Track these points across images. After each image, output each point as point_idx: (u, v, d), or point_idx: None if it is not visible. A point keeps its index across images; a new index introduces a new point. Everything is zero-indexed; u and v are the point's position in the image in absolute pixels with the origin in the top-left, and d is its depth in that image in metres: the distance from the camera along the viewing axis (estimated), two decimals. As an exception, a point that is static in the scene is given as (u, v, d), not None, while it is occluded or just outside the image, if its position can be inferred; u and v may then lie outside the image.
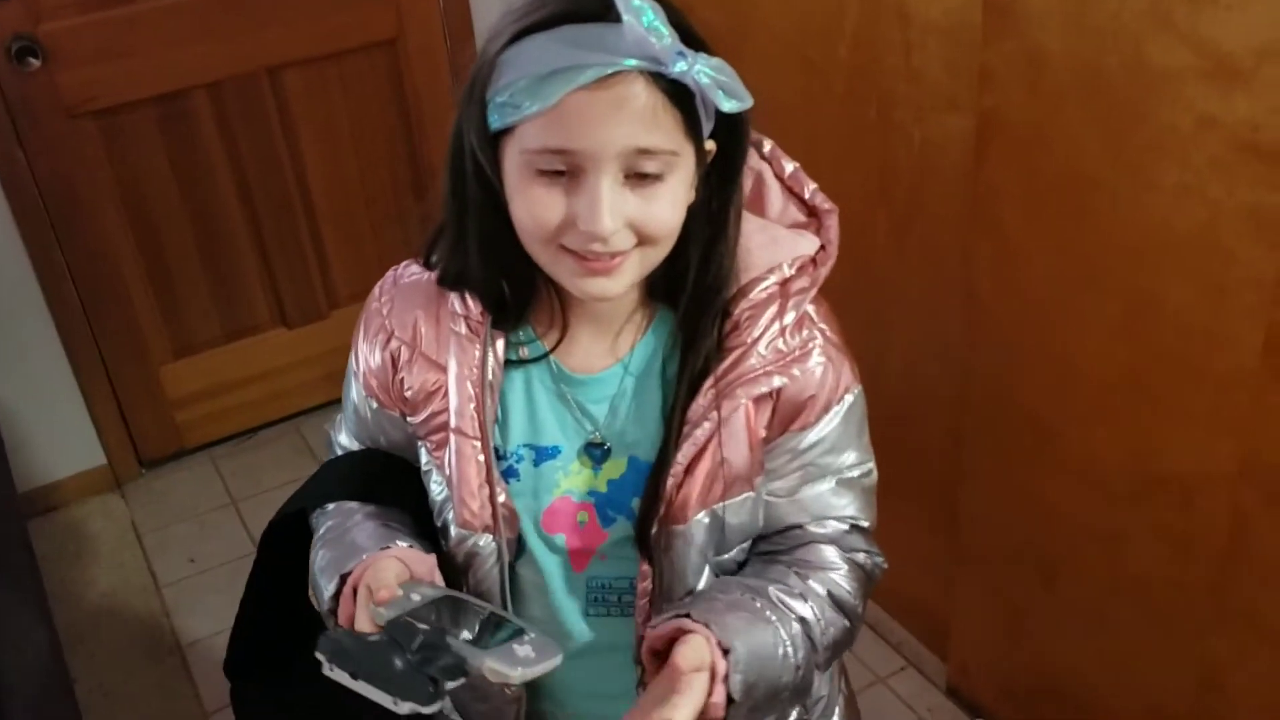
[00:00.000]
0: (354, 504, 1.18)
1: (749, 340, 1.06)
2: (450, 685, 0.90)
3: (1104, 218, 1.60)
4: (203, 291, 3.15)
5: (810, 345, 1.08)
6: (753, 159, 1.13)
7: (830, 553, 1.12)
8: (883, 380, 2.22)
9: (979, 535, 2.09)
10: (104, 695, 2.51)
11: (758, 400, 1.07)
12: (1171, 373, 1.58)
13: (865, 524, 1.16)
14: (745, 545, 1.15)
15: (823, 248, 1.10)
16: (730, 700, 0.97)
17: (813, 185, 1.13)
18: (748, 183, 1.13)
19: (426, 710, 0.88)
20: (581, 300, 1.07)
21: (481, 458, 1.09)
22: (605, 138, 0.92)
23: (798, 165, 1.14)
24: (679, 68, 0.91)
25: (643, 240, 0.98)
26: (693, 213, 1.03)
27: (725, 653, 0.97)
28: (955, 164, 1.86)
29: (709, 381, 1.05)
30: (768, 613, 1.04)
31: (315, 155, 3.12)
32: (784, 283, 1.07)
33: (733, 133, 1.02)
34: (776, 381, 1.06)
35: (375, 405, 1.18)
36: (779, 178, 1.14)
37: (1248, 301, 1.43)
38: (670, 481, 1.06)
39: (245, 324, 3.24)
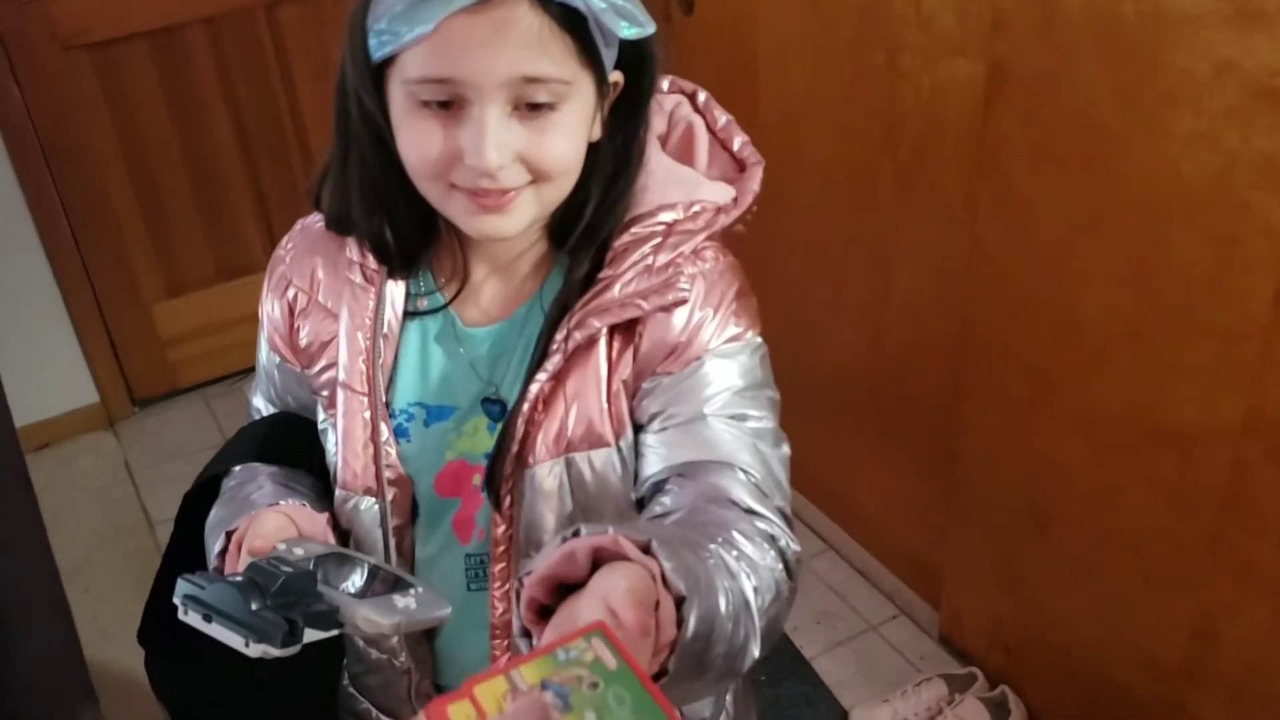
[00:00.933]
0: (261, 465, 1.12)
1: (616, 272, 0.98)
2: (315, 634, 0.84)
3: (1113, 167, 1.58)
4: (196, 229, 3.13)
5: (673, 280, 0.98)
6: (686, 110, 1.09)
7: (732, 516, 0.92)
8: (882, 328, 2.22)
9: (974, 484, 2.09)
10: (97, 630, 2.51)
11: (621, 340, 1.00)
12: (1176, 324, 1.58)
13: (757, 476, 0.96)
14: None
15: (736, 200, 1.03)
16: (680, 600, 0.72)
17: (743, 137, 1.07)
18: (677, 133, 1.08)
19: (279, 653, 0.82)
20: (483, 246, 1.03)
21: (368, 414, 1.03)
22: (487, 65, 0.86)
23: (731, 118, 1.08)
24: None
25: (537, 176, 0.93)
26: (598, 149, 0.98)
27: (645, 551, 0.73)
28: (963, 111, 1.85)
29: (567, 314, 0.98)
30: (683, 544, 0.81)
31: (311, 92, 3.08)
32: (674, 223, 1.00)
33: (639, 63, 0.96)
34: (630, 312, 0.97)
35: (278, 360, 1.13)
36: (711, 130, 1.08)
37: (1259, 253, 1.43)
38: (520, 419, 0.99)
39: (239, 263, 3.22)
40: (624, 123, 0.99)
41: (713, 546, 0.84)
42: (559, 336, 0.98)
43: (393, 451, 1.04)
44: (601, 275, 0.99)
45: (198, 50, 2.91)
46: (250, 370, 3.39)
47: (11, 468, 1.48)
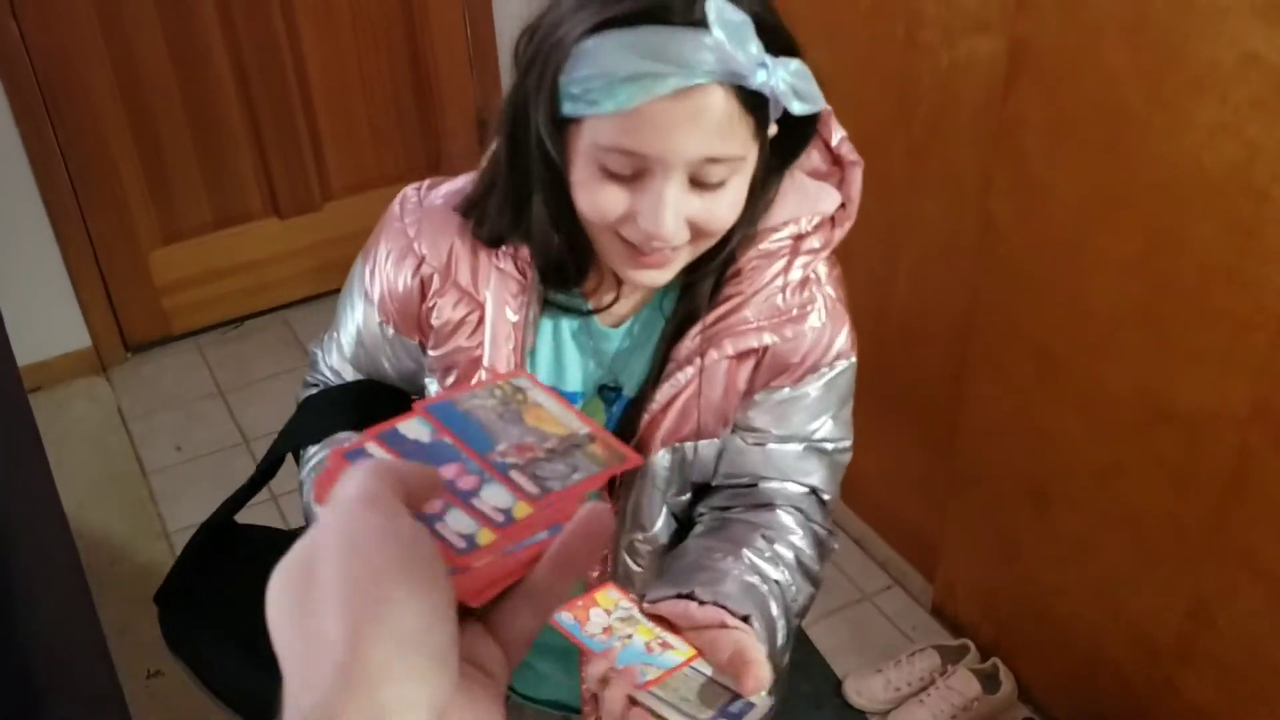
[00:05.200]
0: (349, 434, 1.14)
1: (748, 291, 1.05)
2: None
3: (1133, 152, 1.59)
4: (194, 176, 3.10)
5: (809, 309, 1.07)
6: None
7: (789, 519, 1.11)
8: (889, 301, 2.22)
9: (975, 460, 2.10)
10: (91, 578, 2.50)
11: (742, 354, 1.07)
12: (1188, 311, 1.59)
13: (827, 497, 1.16)
14: (697, 488, 1.16)
15: (842, 206, 1.07)
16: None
17: (841, 133, 1.09)
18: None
19: None
20: None
21: None
22: (678, 147, 0.90)
23: (830, 110, 1.08)
24: (759, 79, 0.88)
25: (699, 236, 0.97)
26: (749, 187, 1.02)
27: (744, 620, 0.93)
28: (981, 89, 1.84)
29: (697, 326, 1.05)
30: (754, 578, 1.02)
31: (314, 42, 3.05)
32: (798, 238, 1.06)
33: (801, 122, 0.98)
34: (767, 339, 1.05)
35: (392, 332, 1.14)
36: None
37: (1276, 243, 1.43)
38: (645, 418, 1.07)
39: (236, 211, 3.20)
40: (777, 168, 1.03)
41: (775, 575, 1.03)
42: (689, 345, 1.05)
43: None
44: (731, 290, 1.05)
45: (200, -6, 2.88)
46: (247, 318, 3.36)
47: (19, 416, 1.46)
